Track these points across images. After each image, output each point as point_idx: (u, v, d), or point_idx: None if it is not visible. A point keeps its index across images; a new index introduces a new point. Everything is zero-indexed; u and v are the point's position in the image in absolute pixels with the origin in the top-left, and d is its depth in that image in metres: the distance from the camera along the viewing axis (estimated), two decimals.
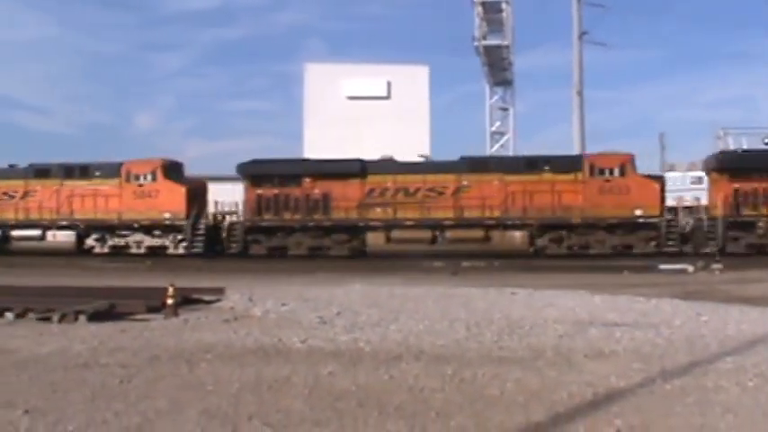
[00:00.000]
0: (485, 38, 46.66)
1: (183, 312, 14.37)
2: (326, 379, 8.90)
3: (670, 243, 32.20)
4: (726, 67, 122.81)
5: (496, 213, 33.07)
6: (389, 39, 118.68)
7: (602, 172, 32.85)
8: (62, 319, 13.51)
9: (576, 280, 22.35)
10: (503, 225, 33.28)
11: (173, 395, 8.08)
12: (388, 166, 34.85)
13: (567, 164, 33.45)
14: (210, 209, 36.54)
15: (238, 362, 9.86)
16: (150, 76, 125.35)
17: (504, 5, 46.18)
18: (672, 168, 77.72)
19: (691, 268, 27.13)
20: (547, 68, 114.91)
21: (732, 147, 34.70)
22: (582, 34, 41.21)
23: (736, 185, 32.53)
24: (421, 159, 37.12)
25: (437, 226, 33.50)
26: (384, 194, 33.69)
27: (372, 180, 33.97)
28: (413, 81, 55.74)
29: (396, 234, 33.52)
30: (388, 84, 55.85)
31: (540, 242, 33.37)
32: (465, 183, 33.43)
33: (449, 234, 33.54)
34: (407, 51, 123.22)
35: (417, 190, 33.52)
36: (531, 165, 33.50)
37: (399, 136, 52.81)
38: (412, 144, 52.12)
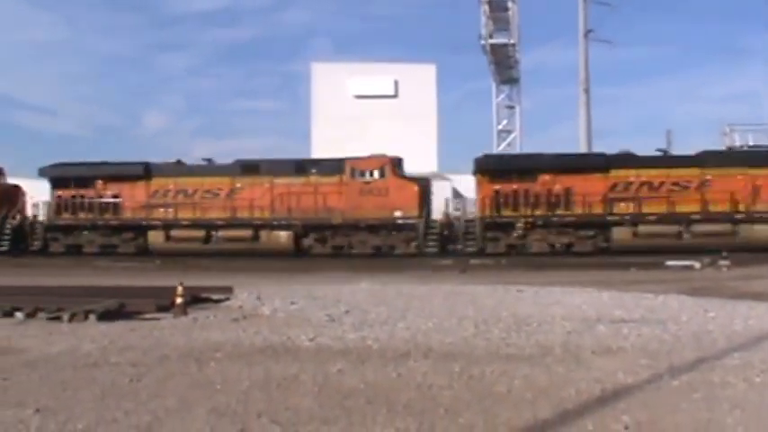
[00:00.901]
0: (491, 36, 46.63)
1: (192, 311, 14.43)
2: (335, 377, 8.92)
3: (430, 244, 32.85)
4: (732, 62, 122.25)
5: (265, 214, 34.22)
6: (396, 38, 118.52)
7: (362, 174, 33.56)
8: (72, 318, 13.56)
9: (583, 277, 22.39)
10: (270, 225, 34.27)
11: (182, 394, 8.11)
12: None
13: (331, 167, 34.17)
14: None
15: (247, 360, 9.89)
16: (158, 76, 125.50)
17: (510, 4, 46.13)
18: None
19: (698, 265, 27.15)
20: (553, 66, 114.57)
21: (738, 143, 34.54)
22: (588, 32, 41.18)
23: (497, 187, 33.21)
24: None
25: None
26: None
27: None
28: (420, 80, 55.72)
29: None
30: (395, 82, 55.84)
31: (306, 242, 34.32)
32: (238, 185, 34.67)
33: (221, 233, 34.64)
34: (414, 50, 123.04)
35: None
36: (300, 168, 34.57)
37: (406, 134, 52.88)
38: (419, 143, 52.25)
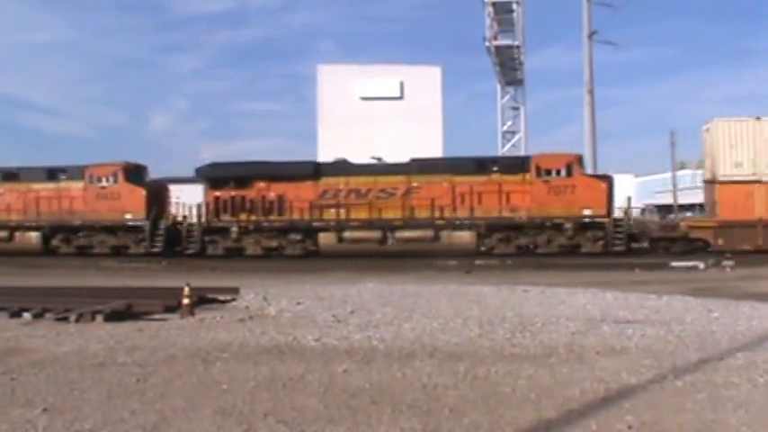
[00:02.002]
0: (496, 38, 46.62)
1: (199, 312, 14.48)
2: (341, 377, 8.96)
3: (155, 245, 33.54)
4: (736, 63, 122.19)
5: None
6: (402, 40, 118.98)
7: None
8: (79, 318, 13.63)
9: (588, 278, 22.39)
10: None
11: (189, 394, 8.16)
12: None
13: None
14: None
15: (253, 360, 9.95)
16: (164, 78, 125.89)
17: (514, 6, 46.11)
18: (683, 166, 77.57)
19: (702, 265, 27.14)
20: (558, 68, 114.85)
21: None
22: (592, 34, 41.10)
23: (218, 194, 34.47)
24: None
25: None
26: None
27: None
28: (425, 81, 55.77)
29: None
30: (401, 84, 55.91)
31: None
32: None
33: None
34: (419, 52, 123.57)
35: None
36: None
37: (412, 136, 52.92)
38: (424, 144, 52.23)
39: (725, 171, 32.08)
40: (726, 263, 27.29)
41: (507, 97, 50.24)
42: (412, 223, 32.80)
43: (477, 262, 29.72)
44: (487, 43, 46.29)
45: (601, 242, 31.80)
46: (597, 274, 23.94)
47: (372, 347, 10.83)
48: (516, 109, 50.62)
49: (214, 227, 34.27)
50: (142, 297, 15.60)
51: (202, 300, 15.73)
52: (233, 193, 34.30)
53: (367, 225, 33.18)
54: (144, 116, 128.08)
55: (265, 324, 13.14)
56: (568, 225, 31.78)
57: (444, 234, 32.59)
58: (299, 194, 33.74)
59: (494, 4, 45.52)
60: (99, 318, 13.65)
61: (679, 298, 16.08)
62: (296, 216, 33.78)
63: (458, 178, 32.80)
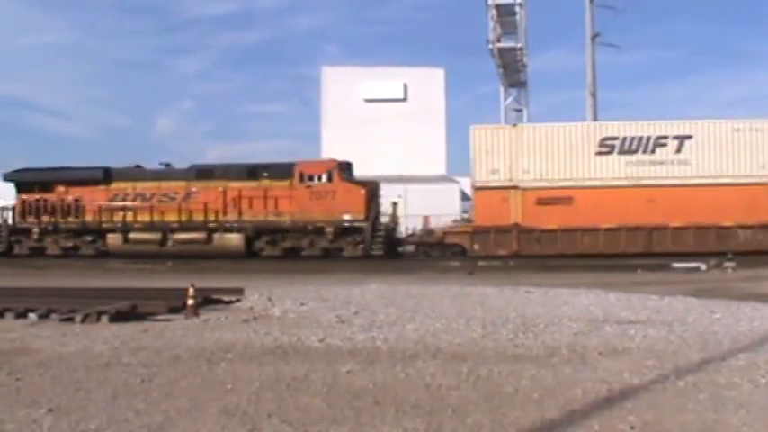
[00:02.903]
0: (499, 40, 46.46)
1: (204, 312, 14.52)
2: (344, 377, 8.99)
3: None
4: (738, 66, 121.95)
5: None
6: (405, 42, 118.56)
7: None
8: (85, 319, 13.67)
9: (590, 278, 22.38)
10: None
11: (193, 394, 8.19)
12: None
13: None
14: None
15: (258, 361, 9.97)
16: (169, 79, 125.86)
17: (517, 8, 45.95)
18: None
19: (703, 266, 27.13)
20: (561, 70, 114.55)
21: None
22: (594, 36, 41.09)
23: (25, 197, 35.65)
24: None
25: None
26: None
27: None
28: (429, 83, 55.83)
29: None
30: (405, 86, 55.93)
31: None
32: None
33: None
34: (423, 55, 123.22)
35: None
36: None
37: (416, 137, 52.95)
38: (428, 146, 52.36)
39: (481, 177, 33.21)
40: (727, 264, 27.30)
41: (510, 99, 50.07)
42: (188, 226, 34.03)
43: (480, 263, 29.72)
44: (490, 45, 46.14)
45: (360, 246, 32.61)
46: (600, 275, 23.94)
47: (376, 348, 10.86)
48: (519, 111, 50.42)
49: (19, 228, 35.71)
50: (147, 298, 15.60)
51: (207, 300, 15.76)
52: (37, 196, 35.45)
53: (149, 227, 34.36)
54: (149, 118, 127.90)
55: (270, 324, 13.18)
56: (329, 229, 32.87)
57: (216, 236, 33.84)
58: (93, 198, 35.01)
59: (497, 7, 45.37)
60: (104, 318, 13.69)
61: (681, 299, 16.11)
62: (89, 218, 35.06)
63: (231, 184, 34.06)
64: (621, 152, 32.45)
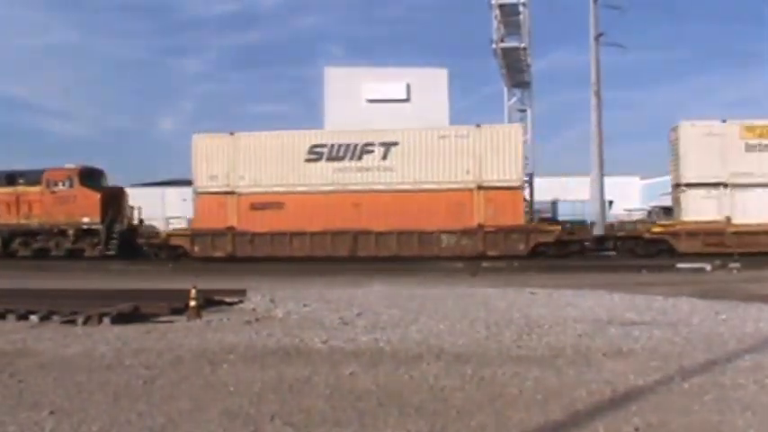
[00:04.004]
0: (502, 40, 46.32)
1: (206, 314, 14.50)
2: (347, 379, 8.97)
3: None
4: (743, 66, 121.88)
5: None
6: (409, 43, 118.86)
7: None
8: (86, 321, 13.66)
9: (595, 279, 22.32)
10: None
11: (196, 396, 8.18)
12: None
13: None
14: None
15: (260, 362, 9.96)
16: (171, 80, 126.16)
17: (521, 8, 45.80)
18: None
19: (708, 267, 27.08)
20: (565, 70, 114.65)
21: None
22: (599, 36, 40.91)
23: None
24: None
25: None
26: None
27: None
28: (432, 84, 55.64)
29: None
30: (408, 87, 55.82)
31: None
32: None
33: None
34: (426, 55, 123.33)
35: None
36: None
37: None
38: None
39: (201, 183, 34.38)
40: (732, 264, 27.24)
41: (514, 99, 49.91)
42: None
43: (484, 264, 29.69)
44: (494, 45, 46.01)
45: (99, 247, 34.57)
46: (604, 276, 23.89)
47: (379, 349, 10.83)
48: (523, 111, 50.25)
49: None
50: (149, 299, 15.61)
51: (209, 302, 15.74)
52: None
53: None
54: (150, 118, 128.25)
55: (272, 326, 13.15)
56: (71, 231, 35.18)
57: None
58: None
59: (500, 7, 45.21)
60: (106, 320, 13.68)
61: (686, 299, 16.04)
62: None
63: None
64: (329, 159, 33.53)
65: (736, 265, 27.19)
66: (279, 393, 8.27)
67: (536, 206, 41.71)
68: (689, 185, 31.82)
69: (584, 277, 23.62)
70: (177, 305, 14.75)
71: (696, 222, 31.46)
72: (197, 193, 34.66)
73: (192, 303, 14.39)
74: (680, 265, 27.50)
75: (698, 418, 7.15)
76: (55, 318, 14.14)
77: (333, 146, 33.44)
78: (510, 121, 46.88)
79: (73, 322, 13.70)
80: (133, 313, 14.30)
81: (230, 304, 16.08)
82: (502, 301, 15.96)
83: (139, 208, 37.71)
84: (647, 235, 32.74)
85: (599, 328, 12.37)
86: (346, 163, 33.33)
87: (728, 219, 31.20)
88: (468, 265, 29.29)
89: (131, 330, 12.86)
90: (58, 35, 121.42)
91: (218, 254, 33.64)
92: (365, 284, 20.06)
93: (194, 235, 34.67)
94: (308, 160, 33.57)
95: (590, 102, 40.07)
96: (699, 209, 31.49)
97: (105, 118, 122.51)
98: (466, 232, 32.20)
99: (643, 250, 31.96)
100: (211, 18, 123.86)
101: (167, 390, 8.49)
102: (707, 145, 31.56)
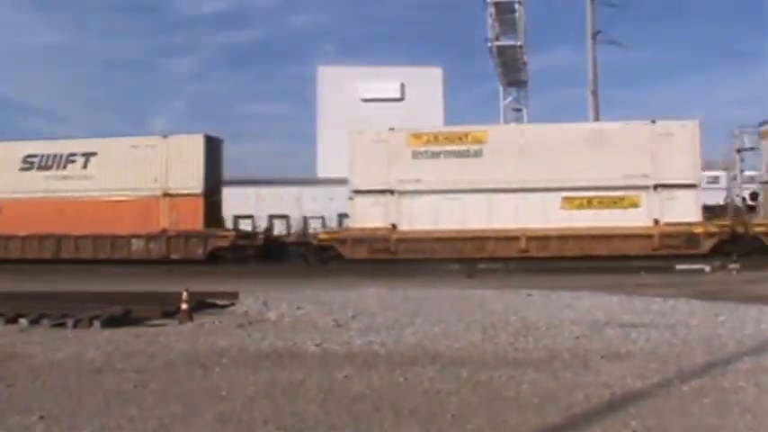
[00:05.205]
0: (498, 39, 46.37)
1: (198, 317, 14.38)
2: (341, 382, 8.88)
3: None
4: (741, 65, 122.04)
5: None
6: (403, 42, 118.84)
7: None
8: (77, 324, 13.53)
9: (592, 281, 22.27)
10: None
11: (187, 400, 8.07)
12: None
13: None
14: None
15: (253, 366, 9.87)
16: (163, 80, 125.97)
17: (516, 6, 45.84)
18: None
19: (707, 268, 27.07)
20: (561, 68, 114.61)
21: (748, 145, 34.49)
22: (596, 34, 40.98)
23: None
24: None
25: None
26: None
27: None
28: (426, 83, 55.76)
29: None
30: (402, 86, 55.88)
31: None
32: None
33: None
34: (421, 54, 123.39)
35: None
36: None
37: None
38: None
39: None
40: (732, 266, 27.22)
41: (510, 98, 50.01)
42: None
43: (480, 266, 29.62)
44: (489, 44, 46.07)
45: None
46: (602, 278, 23.82)
47: (374, 352, 10.75)
48: (519, 110, 50.41)
49: None
50: (140, 302, 15.54)
51: (201, 305, 15.61)
52: None
53: None
54: (142, 118, 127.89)
55: (265, 329, 13.06)
56: None
57: None
58: None
59: (496, 5, 45.24)
60: (96, 323, 13.55)
61: (684, 301, 15.98)
62: None
63: None
64: (40, 168, 35.64)
65: (736, 266, 27.17)
66: (272, 397, 8.17)
67: None
68: (357, 192, 32.64)
69: (581, 279, 23.56)
70: (169, 308, 14.64)
71: (362, 229, 32.37)
72: None
73: (184, 306, 14.29)
74: (679, 267, 27.48)
75: (697, 421, 7.06)
76: (45, 321, 13.99)
77: (43, 156, 35.56)
78: (505, 120, 46.89)
79: (63, 325, 13.57)
80: (124, 316, 14.20)
81: (222, 307, 15.97)
82: (498, 303, 15.88)
83: None
84: (314, 242, 33.90)
85: (596, 330, 12.29)
86: (54, 172, 35.47)
87: (394, 226, 32.01)
88: (464, 266, 29.23)
89: (122, 334, 12.75)
90: (49, 35, 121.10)
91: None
92: (360, 286, 19.95)
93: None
94: (22, 169, 35.80)
95: (587, 100, 40.12)
96: (367, 216, 32.33)
97: (96, 118, 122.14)
98: (152, 237, 34.00)
99: (313, 257, 33.03)
100: (203, 17, 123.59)
101: (159, 394, 8.39)
102: (375, 152, 32.54)
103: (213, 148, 35.06)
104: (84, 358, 10.57)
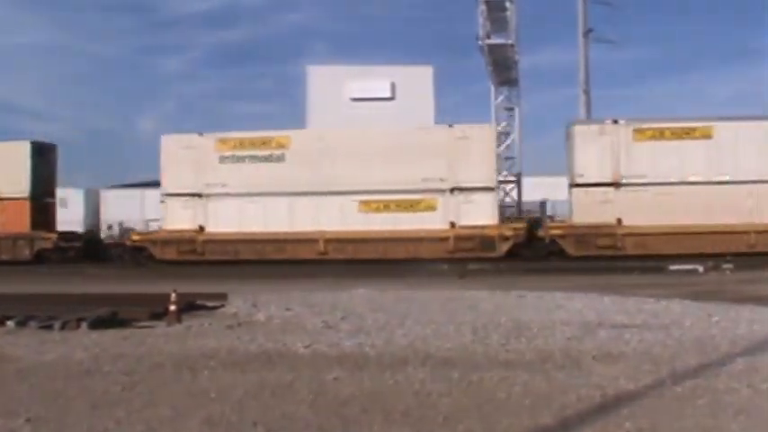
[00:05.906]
0: (489, 37, 46.29)
1: (186, 319, 14.29)
2: (331, 384, 8.83)
3: None
4: (737, 63, 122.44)
5: None
6: (393, 40, 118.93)
7: None
8: (64, 326, 13.42)
9: (585, 281, 22.29)
10: None
11: (176, 402, 8.02)
12: None
13: None
14: None
15: (242, 368, 9.82)
16: (152, 79, 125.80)
17: (508, 4, 45.76)
18: None
19: (701, 268, 27.10)
20: (553, 67, 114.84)
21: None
22: (587, 32, 41.04)
23: None
24: None
25: None
26: None
27: None
28: (417, 82, 55.52)
29: None
30: (393, 85, 55.73)
31: None
32: None
33: None
34: (411, 53, 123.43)
35: None
36: None
37: None
38: None
39: None
40: (725, 266, 27.27)
41: (501, 98, 49.90)
42: None
43: (471, 266, 29.61)
44: (480, 42, 45.97)
45: None
46: (595, 278, 23.83)
47: (364, 354, 10.69)
48: (511, 109, 50.28)
49: None
50: (128, 304, 15.43)
51: (190, 306, 15.50)
52: None
53: None
54: (132, 119, 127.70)
55: (254, 331, 12.98)
56: None
57: None
58: None
59: (487, 3, 45.07)
60: (84, 325, 13.44)
61: (678, 302, 15.99)
62: None
63: None
64: None
65: (729, 266, 27.22)
66: (261, 399, 8.12)
67: (524, 206, 41.73)
68: (168, 195, 33.72)
69: (574, 279, 23.57)
70: (157, 310, 14.54)
71: (171, 231, 33.51)
72: None
73: (172, 308, 14.20)
74: (672, 267, 27.52)
75: (691, 422, 7.03)
76: (32, 323, 13.87)
77: None
78: (497, 119, 46.87)
79: (50, 327, 13.45)
80: (112, 318, 14.09)
81: (211, 308, 15.89)
82: (489, 304, 15.87)
83: None
84: (128, 242, 35.07)
85: (589, 331, 12.27)
86: None
87: (202, 228, 33.23)
88: (455, 267, 29.22)
89: (110, 336, 12.66)
90: (37, 34, 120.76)
91: None
92: (350, 287, 19.88)
93: None
94: None
95: (579, 99, 40.16)
96: (177, 218, 33.38)
97: (85, 118, 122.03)
98: None
99: (129, 257, 34.14)
100: (192, 16, 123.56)
101: (147, 396, 8.32)
102: (185, 157, 33.40)
103: (44, 154, 36.26)
104: (72, 360, 10.49)
